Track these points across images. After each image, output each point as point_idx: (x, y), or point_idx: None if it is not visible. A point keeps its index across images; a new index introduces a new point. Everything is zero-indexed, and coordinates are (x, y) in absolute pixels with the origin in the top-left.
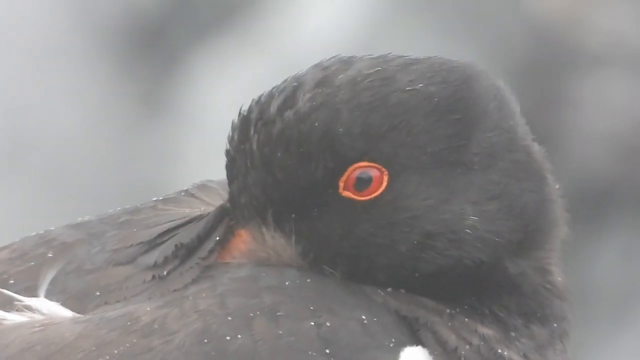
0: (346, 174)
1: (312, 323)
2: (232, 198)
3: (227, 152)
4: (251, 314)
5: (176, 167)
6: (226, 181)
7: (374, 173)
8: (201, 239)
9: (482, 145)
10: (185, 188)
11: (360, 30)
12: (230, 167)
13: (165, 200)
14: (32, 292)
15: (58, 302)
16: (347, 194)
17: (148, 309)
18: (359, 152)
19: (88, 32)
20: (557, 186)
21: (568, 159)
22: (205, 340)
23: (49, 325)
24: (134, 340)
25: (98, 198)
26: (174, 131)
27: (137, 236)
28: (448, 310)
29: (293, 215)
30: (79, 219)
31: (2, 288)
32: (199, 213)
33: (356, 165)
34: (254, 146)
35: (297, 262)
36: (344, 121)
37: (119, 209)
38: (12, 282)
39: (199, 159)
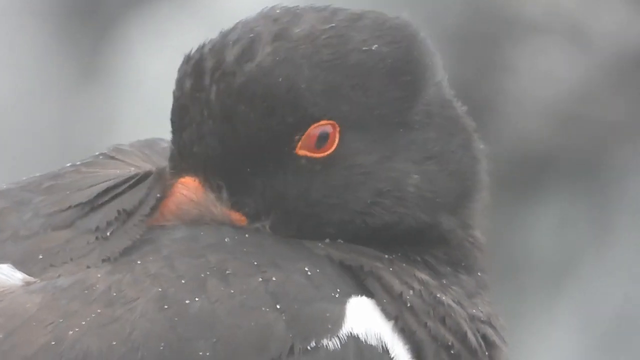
0: (307, 131)
1: (260, 279)
2: (182, 146)
3: (177, 99)
4: (202, 275)
5: (113, 133)
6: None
7: (329, 130)
8: (142, 203)
9: (422, 104)
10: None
11: None
12: (181, 114)
13: (87, 164)
14: None
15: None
16: (303, 152)
17: (99, 275)
18: (320, 109)
19: None
20: (481, 145)
21: (505, 127)
22: (166, 306)
23: (4, 295)
24: (98, 310)
25: (34, 164)
26: (110, 97)
27: (73, 198)
28: (387, 257)
29: (248, 169)
30: None
31: None
32: (133, 172)
33: (317, 123)
34: (212, 96)
35: (232, 219)
36: (306, 77)
37: (36, 175)
38: None
39: (135, 124)
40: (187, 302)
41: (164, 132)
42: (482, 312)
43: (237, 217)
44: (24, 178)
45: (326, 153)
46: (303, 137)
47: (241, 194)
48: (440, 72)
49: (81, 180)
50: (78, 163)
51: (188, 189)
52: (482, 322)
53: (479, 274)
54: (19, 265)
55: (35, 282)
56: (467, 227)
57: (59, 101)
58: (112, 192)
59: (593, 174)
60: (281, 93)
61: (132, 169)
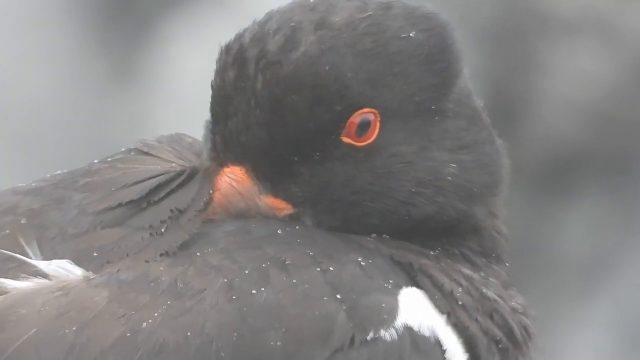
0: (350, 119)
1: (318, 269)
2: (228, 136)
3: (220, 89)
4: (263, 265)
5: (148, 132)
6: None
7: (370, 118)
8: (196, 199)
9: (455, 92)
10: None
11: None
12: (225, 104)
13: (121, 160)
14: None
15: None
16: (346, 139)
17: (161, 268)
18: (365, 98)
19: None
20: (500, 140)
21: (538, 126)
22: (234, 297)
23: (68, 289)
24: (168, 302)
25: (69, 163)
26: (146, 96)
27: (121, 195)
28: (432, 253)
29: (295, 158)
30: (21, 185)
31: None
32: (179, 169)
33: (360, 111)
34: (258, 85)
35: (277, 209)
36: (351, 66)
37: (59, 172)
38: None
39: (170, 124)
40: (253, 292)
41: (199, 131)
42: (519, 303)
43: (282, 205)
44: (49, 175)
45: (367, 142)
46: (346, 125)
47: (287, 182)
48: (463, 62)
49: (122, 176)
50: (109, 159)
51: (235, 178)
52: (521, 313)
53: (506, 264)
54: (74, 262)
55: (95, 277)
56: (493, 217)
57: (95, 100)
58: (164, 189)
59: (626, 172)
60: (329, 81)
61: (173, 164)
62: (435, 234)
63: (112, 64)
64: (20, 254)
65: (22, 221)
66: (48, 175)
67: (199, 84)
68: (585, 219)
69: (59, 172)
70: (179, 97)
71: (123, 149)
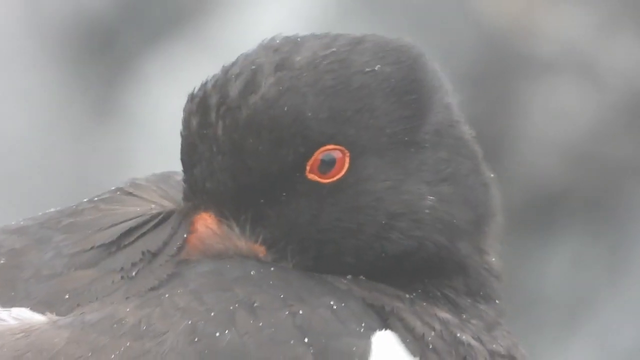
0: (313, 157)
1: (287, 312)
2: (194, 183)
3: (186, 137)
4: (231, 308)
5: (127, 171)
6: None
7: (337, 155)
8: (166, 244)
9: (431, 123)
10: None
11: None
12: (190, 152)
13: (105, 200)
14: None
15: (26, 307)
16: (312, 176)
17: (128, 309)
18: (327, 136)
19: (38, 35)
20: (491, 173)
21: (518, 166)
22: (196, 339)
23: (30, 331)
24: (127, 344)
25: (48, 202)
26: (124, 135)
27: (95, 239)
28: (407, 296)
29: (262, 200)
30: (13, 222)
31: None
32: (155, 211)
33: (323, 148)
34: (219, 132)
35: (255, 251)
36: (311, 105)
37: (52, 210)
38: None
39: (149, 163)
40: (217, 335)
41: (178, 169)
42: (502, 346)
43: (256, 247)
44: (40, 213)
45: (334, 178)
46: (310, 162)
47: (257, 225)
48: (449, 95)
49: (101, 218)
50: (95, 199)
51: (207, 224)
52: (503, 356)
53: (496, 301)
54: (45, 305)
55: (61, 319)
56: (482, 253)
57: (74, 138)
58: (135, 233)
59: (606, 211)
60: (287, 123)
61: (153, 206)
62: (417, 274)
63: (91, 103)
64: None
65: (2, 261)
66: (40, 213)
67: (178, 122)
68: (566, 258)
69: (52, 209)
70: (158, 136)
71: (113, 187)
